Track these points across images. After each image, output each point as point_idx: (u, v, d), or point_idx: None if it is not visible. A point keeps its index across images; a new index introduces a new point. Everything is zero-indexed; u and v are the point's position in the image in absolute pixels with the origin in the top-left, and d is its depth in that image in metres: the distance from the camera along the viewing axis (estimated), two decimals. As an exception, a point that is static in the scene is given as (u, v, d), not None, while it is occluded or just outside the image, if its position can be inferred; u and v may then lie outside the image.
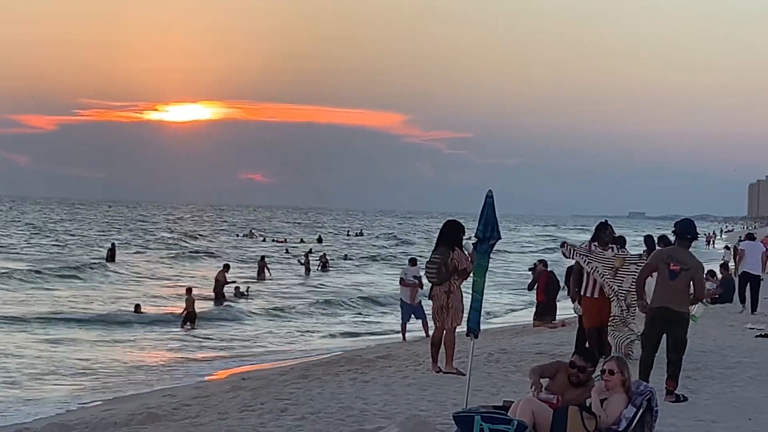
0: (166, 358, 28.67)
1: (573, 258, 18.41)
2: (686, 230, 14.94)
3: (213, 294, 46.00)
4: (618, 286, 17.85)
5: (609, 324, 18.08)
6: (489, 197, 12.99)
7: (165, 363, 27.57)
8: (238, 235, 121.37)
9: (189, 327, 35.40)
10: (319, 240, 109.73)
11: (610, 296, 17.84)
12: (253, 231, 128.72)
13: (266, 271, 59.07)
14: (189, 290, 37.68)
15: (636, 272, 17.19)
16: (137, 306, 39.01)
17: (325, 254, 72.02)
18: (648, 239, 23.82)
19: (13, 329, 33.12)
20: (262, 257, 63.37)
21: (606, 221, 18.89)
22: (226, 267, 48.98)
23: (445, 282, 17.14)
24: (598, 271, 17.83)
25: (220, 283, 46.43)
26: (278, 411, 14.13)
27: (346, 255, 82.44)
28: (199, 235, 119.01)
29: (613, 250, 18.25)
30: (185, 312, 36.16)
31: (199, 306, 38.50)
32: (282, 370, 22.67)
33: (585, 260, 17.89)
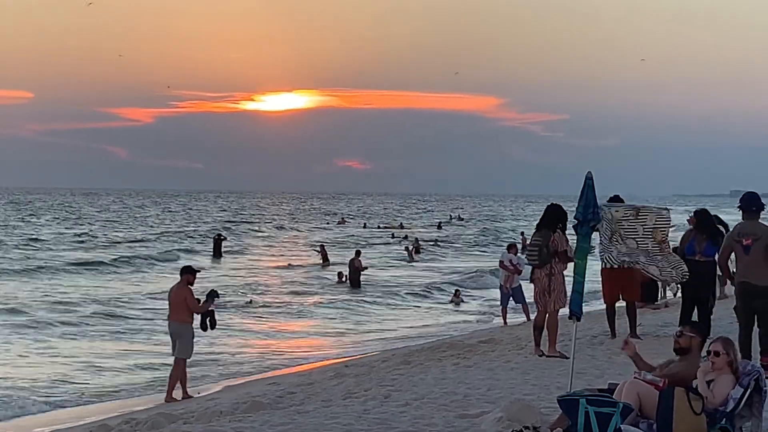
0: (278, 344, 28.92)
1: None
2: (751, 203, 14.93)
3: (348, 282, 46.26)
4: (642, 225, 17.38)
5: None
6: (589, 179, 12.87)
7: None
8: (328, 222, 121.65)
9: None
10: (439, 226, 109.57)
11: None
12: (344, 218, 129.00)
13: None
14: None
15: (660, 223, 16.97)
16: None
17: (417, 240, 72.24)
18: None
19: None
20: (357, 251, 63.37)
21: (617, 196, 18.52)
22: (358, 253, 49.23)
23: (546, 265, 17.06)
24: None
25: (356, 270, 46.57)
26: (382, 397, 14.18)
27: (436, 240, 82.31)
28: (299, 223, 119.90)
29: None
30: None
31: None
32: (384, 356, 22.73)
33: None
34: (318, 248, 62.20)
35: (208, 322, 20.05)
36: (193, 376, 21.25)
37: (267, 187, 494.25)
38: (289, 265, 58.37)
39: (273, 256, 67.73)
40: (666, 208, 17.77)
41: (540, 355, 17.37)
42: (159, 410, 17.33)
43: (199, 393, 20.21)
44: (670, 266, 17.25)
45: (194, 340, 20.12)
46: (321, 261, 58.13)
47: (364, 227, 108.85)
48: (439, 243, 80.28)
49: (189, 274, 20.15)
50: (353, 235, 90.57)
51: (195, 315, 19.92)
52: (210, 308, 20.15)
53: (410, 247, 68.18)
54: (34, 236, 79.14)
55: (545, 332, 17.43)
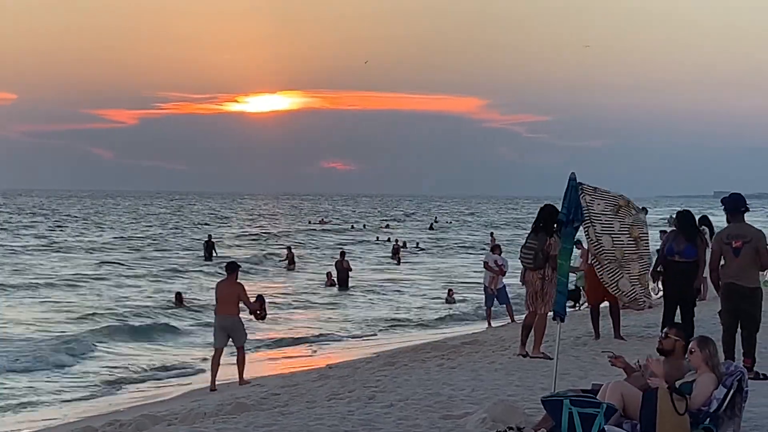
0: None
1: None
2: (737, 204, 14.83)
3: (336, 283, 46.16)
4: (619, 222, 17.54)
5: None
6: (572, 180, 12.86)
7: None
8: (310, 222, 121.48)
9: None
10: (431, 227, 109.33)
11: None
12: (324, 219, 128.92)
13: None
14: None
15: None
16: (178, 294, 39.07)
17: (397, 241, 72.13)
18: None
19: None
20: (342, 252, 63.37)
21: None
22: (343, 254, 49.10)
23: (541, 268, 16.97)
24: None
25: (343, 270, 46.45)
26: (366, 399, 14.16)
27: (417, 244, 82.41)
28: (283, 228, 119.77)
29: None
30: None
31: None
32: (368, 358, 22.73)
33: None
34: (286, 250, 62.15)
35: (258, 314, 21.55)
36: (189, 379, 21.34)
37: (251, 189, 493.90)
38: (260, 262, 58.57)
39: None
40: (644, 209, 17.92)
41: (524, 356, 17.35)
42: (143, 411, 17.30)
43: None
44: (638, 274, 17.46)
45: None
46: (287, 264, 57.88)
47: (352, 228, 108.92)
48: (427, 243, 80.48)
49: (238, 270, 21.32)
50: (338, 236, 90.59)
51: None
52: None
53: (398, 245, 68.28)
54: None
55: (531, 332, 17.42)
